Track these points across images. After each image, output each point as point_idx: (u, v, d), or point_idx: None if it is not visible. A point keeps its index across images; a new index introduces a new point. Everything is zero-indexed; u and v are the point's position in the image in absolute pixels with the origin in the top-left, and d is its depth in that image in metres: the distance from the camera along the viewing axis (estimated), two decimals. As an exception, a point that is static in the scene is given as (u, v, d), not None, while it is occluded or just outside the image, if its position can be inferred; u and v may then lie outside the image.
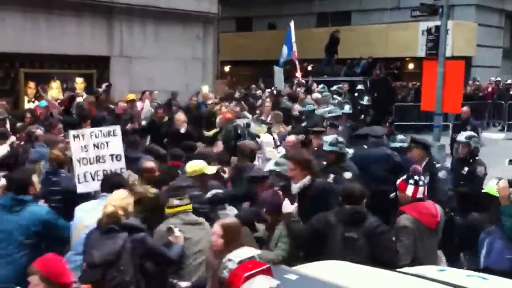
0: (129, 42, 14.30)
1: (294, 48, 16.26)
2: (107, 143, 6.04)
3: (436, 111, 13.38)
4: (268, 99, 12.78)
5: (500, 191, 4.92)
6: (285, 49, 16.80)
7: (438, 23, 14.50)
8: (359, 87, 15.83)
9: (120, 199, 4.67)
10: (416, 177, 5.44)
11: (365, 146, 8.27)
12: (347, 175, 6.79)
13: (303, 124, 10.61)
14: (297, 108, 12.01)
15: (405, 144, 8.06)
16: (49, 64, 13.24)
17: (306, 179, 5.46)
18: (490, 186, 5.32)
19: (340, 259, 4.38)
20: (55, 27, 12.92)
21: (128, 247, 4.43)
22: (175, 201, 5.24)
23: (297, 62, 16.70)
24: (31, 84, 12.90)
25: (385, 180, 7.63)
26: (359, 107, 13.23)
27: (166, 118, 9.92)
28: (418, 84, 19.52)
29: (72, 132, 6.06)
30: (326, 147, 7.06)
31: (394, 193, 7.60)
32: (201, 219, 5.29)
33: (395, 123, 11.24)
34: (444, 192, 7.10)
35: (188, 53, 15.44)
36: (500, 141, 18.33)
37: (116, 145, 6.08)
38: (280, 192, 5.32)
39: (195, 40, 15.64)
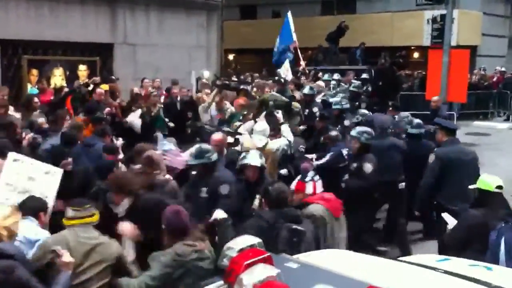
0: (133, 30, 14.25)
1: (295, 37, 16.10)
2: (43, 180, 5.50)
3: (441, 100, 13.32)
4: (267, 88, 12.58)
5: None
6: (279, 39, 16.55)
7: (443, 11, 14.42)
8: (364, 76, 15.75)
9: (3, 218, 4.05)
10: (311, 174, 5.80)
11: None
12: (368, 166, 6.85)
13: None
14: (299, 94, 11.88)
15: (422, 130, 8.04)
16: (53, 51, 13.18)
17: (125, 201, 5.00)
18: (483, 181, 5.21)
19: None
20: (58, 14, 12.87)
21: None
22: (70, 212, 4.28)
23: (299, 51, 16.56)
24: (34, 71, 12.87)
25: (394, 170, 7.67)
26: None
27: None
28: (423, 73, 19.45)
29: (13, 155, 5.56)
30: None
31: (403, 183, 7.71)
32: (103, 238, 4.30)
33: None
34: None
35: (192, 41, 15.37)
36: (504, 130, 18.29)
37: (50, 186, 5.51)
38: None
39: (199, 28, 15.57)
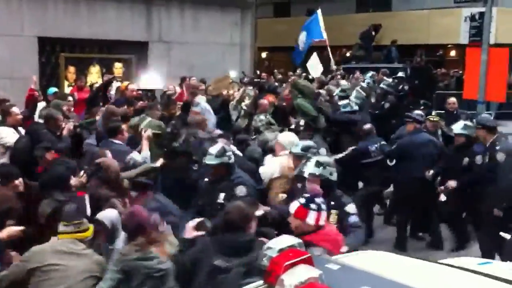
0: (168, 28, 14.34)
1: (325, 35, 15.93)
2: None
3: (479, 99, 13.07)
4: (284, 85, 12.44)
5: None
6: (303, 35, 16.39)
7: (482, 9, 14.13)
8: (400, 74, 15.52)
9: None
10: (318, 201, 4.46)
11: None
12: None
13: None
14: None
15: (469, 132, 7.44)
16: (89, 49, 13.39)
17: None
18: None
19: None
20: (95, 12, 13.04)
21: None
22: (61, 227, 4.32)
23: (329, 50, 16.40)
24: (71, 69, 13.06)
25: (431, 166, 7.69)
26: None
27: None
28: (460, 72, 19.11)
29: None
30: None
31: (438, 177, 7.74)
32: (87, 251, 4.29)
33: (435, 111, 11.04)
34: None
35: (226, 39, 15.40)
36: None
37: None
38: None
39: (233, 26, 15.59)
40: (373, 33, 21.01)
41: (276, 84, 13.37)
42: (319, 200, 4.48)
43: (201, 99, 9.64)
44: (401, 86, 14.65)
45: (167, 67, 14.18)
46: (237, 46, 15.70)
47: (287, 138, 6.78)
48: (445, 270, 4.07)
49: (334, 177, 5.36)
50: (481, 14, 14.00)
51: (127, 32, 13.61)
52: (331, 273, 3.09)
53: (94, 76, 13.34)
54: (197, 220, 4.31)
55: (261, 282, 3.14)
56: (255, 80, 13.77)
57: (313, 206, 4.38)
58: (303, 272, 2.83)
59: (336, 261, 3.44)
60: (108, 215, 4.68)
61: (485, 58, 12.85)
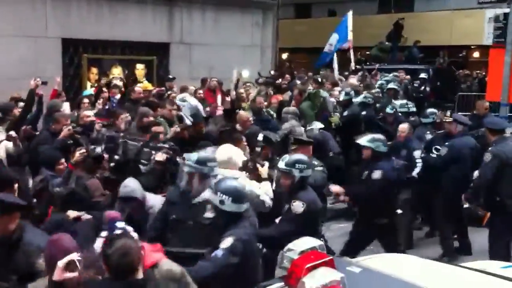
0: (189, 29, 14.38)
1: (350, 37, 15.87)
2: None
3: (502, 101, 12.94)
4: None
5: None
6: (334, 37, 16.36)
7: (506, 10, 13.96)
8: (422, 75, 15.39)
9: None
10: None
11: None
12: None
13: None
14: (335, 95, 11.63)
15: (375, 146, 6.63)
16: (111, 50, 13.46)
17: None
18: None
19: None
20: (117, 13, 13.13)
21: None
22: None
23: (351, 52, 16.33)
24: (94, 70, 13.17)
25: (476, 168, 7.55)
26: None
27: None
28: (483, 73, 18.89)
29: None
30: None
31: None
32: None
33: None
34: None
35: (247, 40, 15.40)
36: None
37: None
38: None
39: (255, 27, 15.58)
40: (397, 31, 20.81)
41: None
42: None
43: (188, 97, 9.67)
44: (422, 88, 14.56)
45: (187, 68, 14.23)
46: (258, 47, 15.69)
47: (225, 154, 5.49)
48: (466, 274, 4.04)
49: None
50: (506, 15, 13.85)
51: (149, 34, 13.68)
52: (353, 276, 3.08)
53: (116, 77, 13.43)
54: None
55: (281, 283, 3.14)
56: (269, 79, 13.71)
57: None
58: (325, 275, 2.82)
59: (358, 264, 3.42)
60: None
61: (509, 59, 12.73)
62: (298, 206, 4.95)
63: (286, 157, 5.30)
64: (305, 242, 3.32)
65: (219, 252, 4.06)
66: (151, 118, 7.78)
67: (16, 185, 4.77)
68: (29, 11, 11.97)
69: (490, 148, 6.94)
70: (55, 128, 7.27)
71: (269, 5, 15.98)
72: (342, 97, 10.98)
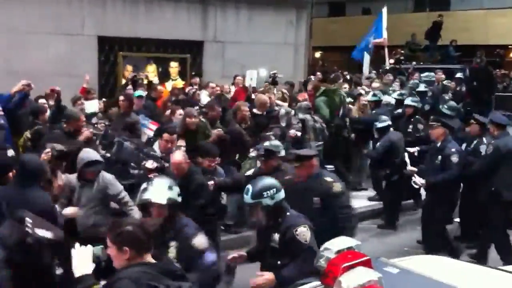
0: (223, 27, 14.41)
1: (385, 34, 15.70)
2: None
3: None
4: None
5: None
6: (370, 35, 16.18)
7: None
8: (458, 75, 15.14)
9: None
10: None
11: None
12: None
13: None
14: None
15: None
16: (146, 48, 13.59)
17: None
18: None
19: None
20: (153, 12, 13.23)
21: None
22: None
23: (386, 50, 16.15)
24: (129, 68, 13.31)
25: None
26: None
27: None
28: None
29: None
30: None
31: None
32: None
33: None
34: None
35: (280, 38, 15.34)
36: None
37: None
38: None
39: (288, 25, 15.52)
40: (435, 29, 20.53)
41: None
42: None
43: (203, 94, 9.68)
44: (458, 88, 14.32)
45: (220, 66, 14.27)
46: (291, 46, 15.62)
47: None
48: (504, 276, 3.95)
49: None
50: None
51: (183, 32, 13.76)
52: (390, 277, 3.03)
53: (151, 75, 13.55)
54: None
55: (317, 282, 3.11)
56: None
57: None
58: (363, 275, 2.78)
59: (395, 264, 3.37)
60: None
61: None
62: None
63: (249, 189, 4.53)
64: (342, 242, 3.28)
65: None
66: (194, 119, 7.84)
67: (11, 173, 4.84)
68: (66, 9, 12.18)
69: (493, 141, 7.39)
70: (68, 128, 7.11)
71: (303, 3, 15.90)
72: (369, 98, 10.89)
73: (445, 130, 7.41)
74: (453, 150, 7.23)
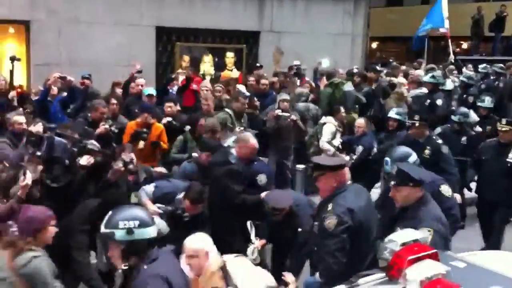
0: (279, 17, 14.34)
1: (447, 24, 15.20)
2: None
3: None
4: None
5: None
6: (426, 22, 15.74)
7: None
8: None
9: None
10: None
11: None
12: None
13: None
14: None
15: None
16: (203, 38, 13.69)
17: None
18: None
19: None
20: (209, 2, 13.31)
21: None
22: None
23: (450, 41, 15.68)
24: (186, 58, 13.46)
25: None
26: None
27: None
28: None
29: None
30: None
31: None
32: None
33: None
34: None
35: (337, 28, 15.15)
36: None
37: None
38: None
39: (346, 15, 15.30)
40: (500, 20, 19.83)
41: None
42: None
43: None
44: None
45: (277, 56, 14.25)
46: (349, 36, 15.40)
47: None
48: None
49: None
50: None
51: (240, 22, 13.78)
52: (458, 271, 2.95)
53: (207, 65, 13.67)
54: None
55: (382, 274, 3.06)
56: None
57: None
58: (430, 267, 2.72)
59: (462, 259, 3.27)
60: None
61: None
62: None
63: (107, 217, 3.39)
64: (407, 234, 3.22)
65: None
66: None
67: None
68: (125, 0, 12.40)
69: None
70: (92, 117, 7.18)
71: (360, -7, 15.65)
72: (427, 79, 10.40)
73: None
74: None
